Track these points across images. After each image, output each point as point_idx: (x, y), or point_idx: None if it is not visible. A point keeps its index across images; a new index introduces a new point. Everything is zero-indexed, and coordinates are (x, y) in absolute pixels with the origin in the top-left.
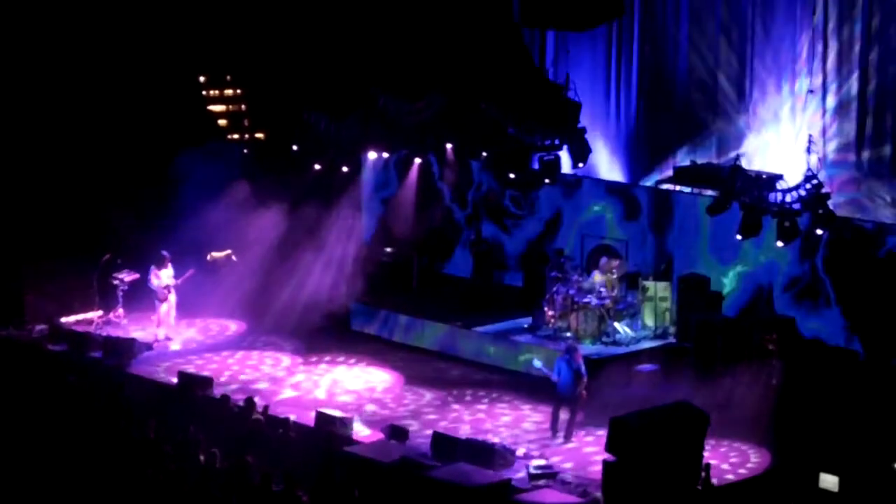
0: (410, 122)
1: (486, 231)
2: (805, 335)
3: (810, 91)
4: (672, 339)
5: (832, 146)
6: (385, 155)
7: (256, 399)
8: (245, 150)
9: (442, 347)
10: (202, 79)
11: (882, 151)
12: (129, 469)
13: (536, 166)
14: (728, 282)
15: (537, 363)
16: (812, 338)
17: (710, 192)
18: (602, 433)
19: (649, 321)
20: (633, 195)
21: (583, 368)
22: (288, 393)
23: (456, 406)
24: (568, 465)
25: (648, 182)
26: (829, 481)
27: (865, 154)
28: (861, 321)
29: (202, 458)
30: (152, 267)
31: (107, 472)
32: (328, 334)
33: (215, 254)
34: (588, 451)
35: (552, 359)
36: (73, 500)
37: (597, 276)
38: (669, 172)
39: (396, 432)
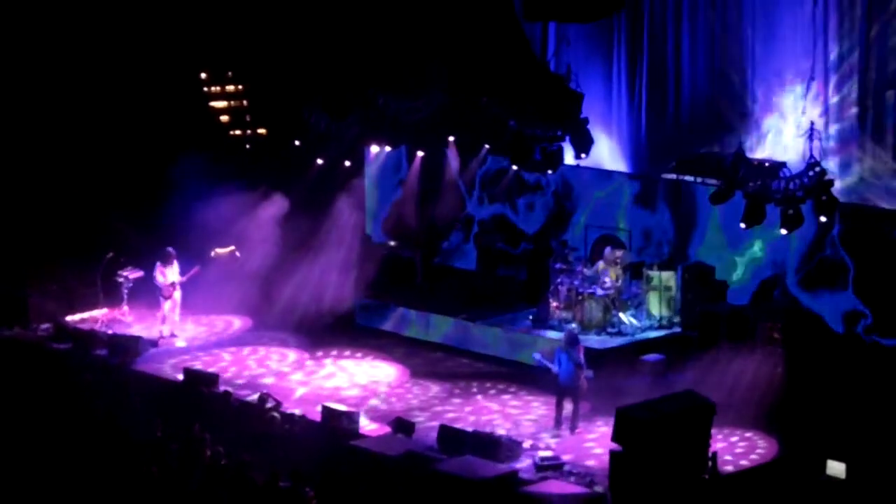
0: (411, 118)
1: (499, 211)
2: (817, 314)
3: (812, 78)
4: (677, 329)
5: (834, 133)
6: (388, 148)
7: (268, 395)
8: (247, 146)
9: (448, 341)
10: (203, 75)
11: (884, 137)
12: (135, 467)
13: (539, 157)
14: (748, 257)
15: (537, 355)
16: (817, 314)
17: (713, 182)
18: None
19: (654, 311)
20: (640, 184)
21: (582, 359)
22: (294, 388)
23: (462, 399)
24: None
25: (652, 172)
26: (836, 468)
27: (867, 139)
28: (873, 302)
29: (208, 454)
30: (158, 264)
31: (112, 470)
32: (333, 329)
33: (219, 250)
34: (590, 439)
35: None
36: (79, 498)
37: (601, 267)
38: (672, 162)
39: (402, 426)
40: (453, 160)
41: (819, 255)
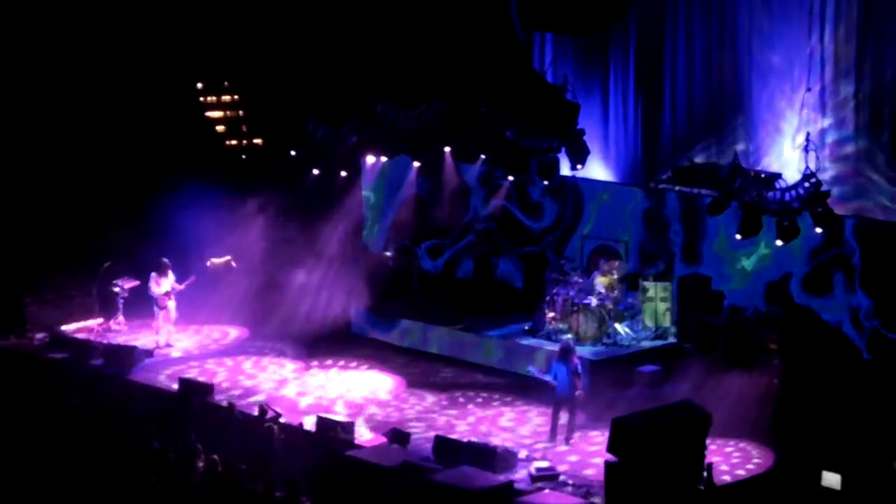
0: (408, 127)
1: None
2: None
3: (808, 89)
4: (673, 340)
5: (830, 144)
6: (384, 158)
7: (267, 406)
8: (243, 156)
9: (444, 351)
10: (199, 85)
11: (879, 148)
12: (133, 477)
13: (535, 168)
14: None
15: (533, 369)
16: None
17: (708, 192)
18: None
19: (650, 322)
20: (640, 194)
21: (579, 368)
22: (290, 398)
23: (457, 409)
24: (565, 467)
25: (647, 183)
26: (831, 479)
27: (863, 151)
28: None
29: (201, 465)
30: (153, 274)
31: (109, 481)
32: (329, 339)
33: (215, 260)
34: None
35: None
36: None
37: (597, 278)
38: (668, 173)
39: (398, 436)
40: (451, 169)
41: (830, 251)
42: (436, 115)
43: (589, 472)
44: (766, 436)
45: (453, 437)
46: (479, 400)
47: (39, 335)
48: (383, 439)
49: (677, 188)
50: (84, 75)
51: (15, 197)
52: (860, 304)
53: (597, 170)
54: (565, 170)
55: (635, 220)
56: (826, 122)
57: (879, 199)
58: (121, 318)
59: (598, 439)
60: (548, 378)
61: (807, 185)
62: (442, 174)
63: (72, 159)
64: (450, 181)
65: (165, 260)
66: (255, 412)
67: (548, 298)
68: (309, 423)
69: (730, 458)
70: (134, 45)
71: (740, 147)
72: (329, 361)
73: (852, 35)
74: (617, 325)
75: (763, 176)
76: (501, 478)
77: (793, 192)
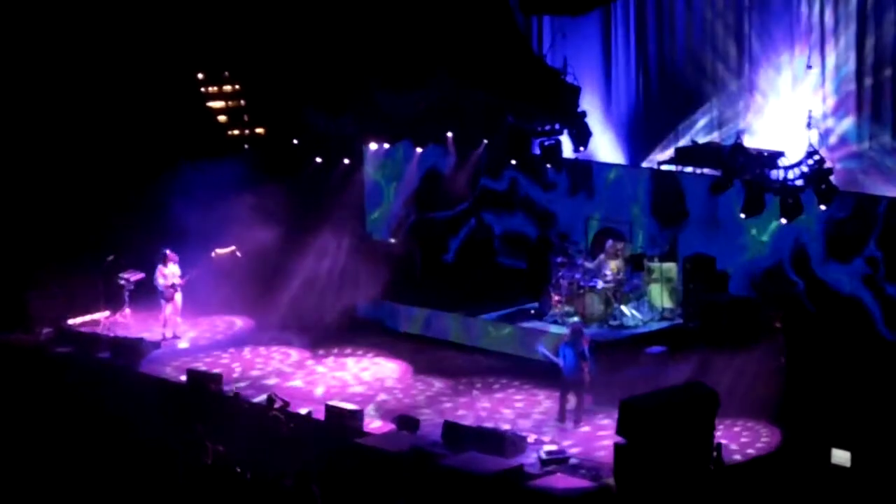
0: (408, 112)
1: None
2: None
3: (808, 66)
4: (679, 320)
5: (832, 121)
6: (386, 145)
7: (275, 396)
8: (245, 146)
9: (450, 336)
10: (200, 75)
11: (882, 124)
12: (140, 470)
13: (537, 151)
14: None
15: (541, 348)
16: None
17: (711, 172)
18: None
19: (656, 303)
20: (646, 174)
21: (587, 351)
22: (297, 387)
23: (466, 394)
24: (576, 450)
25: (650, 163)
26: (841, 457)
27: (865, 127)
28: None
29: (210, 456)
30: (158, 266)
31: (117, 474)
32: (335, 327)
33: (220, 250)
34: (600, 434)
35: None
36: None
37: (602, 259)
38: (671, 153)
39: (407, 422)
40: (452, 155)
41: (843, 226)
42: (436, 98)
43: (598, 454)
44: (774, 414)
45: (462, 422)
46: (488, 384)
47: (45, 329)
48: (392, 426)
49: (681, 168)
50: (84, 67)
51: (19, 190)
52: (878, 276)
53: (600, 151)
54: (568, 152)
55: (639, 200)
56: (828, 98)
57: (882, 171)
58: (127, 310)
59: (606, 421)
60: (556, 360)
61: (810, 162)
62: (446, 159)
63: (73, 152)
64: (453, 166)
65: (167, 250)
66: (264, 402)
67: (553, 281)
68: (317, 412)
69: (739, 438)
70: (133, 36)
71: (743, 126)
72: (335, 350)
73: (852, 10)
74: (623, 307)
75: (766, 154)
76: (511, 462)
77: (796, 170)
